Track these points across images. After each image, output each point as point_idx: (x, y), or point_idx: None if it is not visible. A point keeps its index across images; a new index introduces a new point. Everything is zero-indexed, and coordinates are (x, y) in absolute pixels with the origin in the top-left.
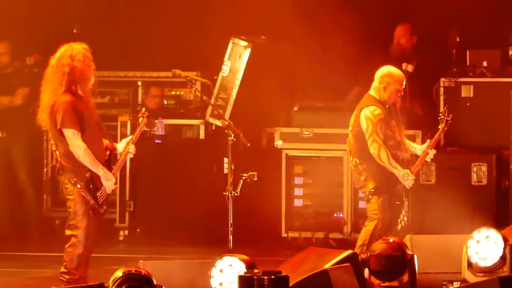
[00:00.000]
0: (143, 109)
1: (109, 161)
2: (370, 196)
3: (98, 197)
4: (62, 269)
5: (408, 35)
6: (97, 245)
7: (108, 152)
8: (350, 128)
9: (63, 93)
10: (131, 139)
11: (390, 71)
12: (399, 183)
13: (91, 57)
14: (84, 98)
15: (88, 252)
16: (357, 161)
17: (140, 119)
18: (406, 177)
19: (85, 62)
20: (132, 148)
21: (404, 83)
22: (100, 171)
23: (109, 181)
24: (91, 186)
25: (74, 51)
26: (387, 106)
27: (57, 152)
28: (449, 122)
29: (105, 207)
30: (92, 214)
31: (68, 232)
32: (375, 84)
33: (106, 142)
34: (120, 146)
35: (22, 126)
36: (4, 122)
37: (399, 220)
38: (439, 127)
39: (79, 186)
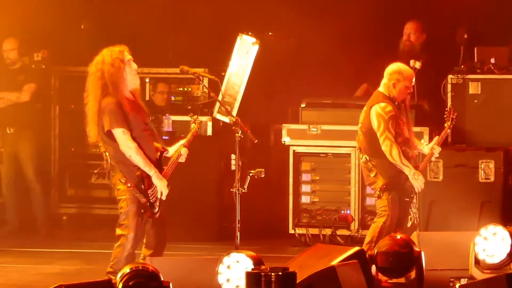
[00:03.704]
0: (196, 116)
1: (160, 163)
2: (380, 193)
3: (150, 195)
4: (109, 269)
5: (418, 32)
6: (105, 241)
7: (158, 154)
8: (359, 125)
9: (105, 97)
10: (183, 143)
11: (400, 68)
12: (409, 180)
13: (123, 58)
14: (131, 100)
15: (134, 251)
16: (367, 158)
17: (192, 125)
18: (416, 176)
19: (115, 64)
20: (184, 151)
21: (413, 80)
22: (152, 170)
23: (161, 181)
24: (142, 185)
25: (105, 55)
26: (396, 103)
27: (107, 154)
28: (454, 120)
29: (157, 206)
30: (145, 214)
31: (118, 232)
32: (384, 80)
33: (157, 145)
34: (172, 149)
35: (30, 122)
36: (12, 118)
37: (409, 217)
38: (445, 125)
39: (129, 185)
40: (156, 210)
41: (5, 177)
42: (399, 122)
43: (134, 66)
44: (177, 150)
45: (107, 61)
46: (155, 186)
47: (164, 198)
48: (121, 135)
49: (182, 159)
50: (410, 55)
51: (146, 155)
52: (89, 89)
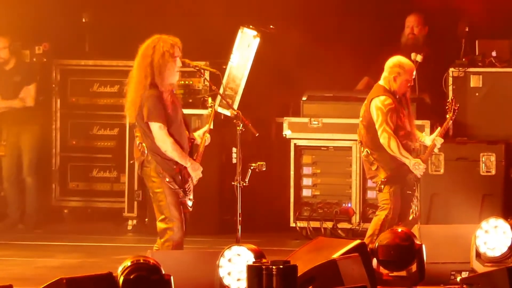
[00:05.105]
0: (210, 99)
1: (192, 153)
2: (382, 186)
3: (186, 189)
4: None
5: (421, 25)
6: (106, 235)
7: (190, 144)
8: (360, 118)
9: (150, 86)
10: (207, 129)
11: (401, 61)
12: (410, 172)
13: (173, 52)
14: (170, 92)
15: (182, 240)
16: (368, 151)
17: (209, 110)
18: (417, 166)
19: (165, 56)
20: (207, 138)
21: (414, 73)
22: (188, 162)
23: (196, 171)
24: (180, 178)
25: (158, 43)
26: (397, 97)
27: (144, 145)
28: (456, 111)
29: (191, 199)
30: (181, 207)
31: (162, 226)
32: (385, 74)
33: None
34: (197, 136)
35: (33, 115)
36: (17, 118)
37: (410, 211)
38: (447, 116)
39: (167, 179)
40: (191, 204)
41: (7, 171)
42: (400, 115)
43: (179, 63)
44: (203, 138)
45: (159, 51)
46: (190, 181)
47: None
48: (157, 130)
49: (207, 143)
50: (413, 48)
51: (181, 148)
52: (135, 69)
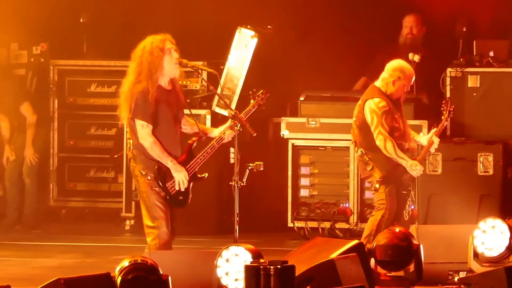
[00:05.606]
0: (261, 91)
1: (191, 151)
2: (377, 186)
3: (169, 188)
4: None
5: (419, 25)
6: (104, 235)
7: (194, 138)
8: (354, 118)
9: (138, 83)
10: (230, 125)
11: (403, 66)
12: (406, 172)
13: (163, 46)
14: (165, 89)
15: (171, 239)
16: (363, 151)
17: (252, 101)
18: (414, 167)
19: (154, 53)
20: (228, 134)
21: (413, 80)
22: (169, 163)
23: (179, 173)
24: (159, 179)
25: (146, 43)
26: (392, 99)
27: (130, 141)
28: (452, 112)
29: (182, 197)
30: (167, 205)
31: (149, 223)
32: (384, 75)
33: (193, 127)
34: (217, 131)
35: (39, 117)
36: (22, 123)
37: (405, 211)
38: (442, 117)
39: (149, 178)
40: (181, 200)
41: (10, 171)
42: (395, 117)
43: (175, 55)
44: (221, 133)
45: (147, 49)
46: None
47: (183, 189)
48: (141, 128)
49: (226, 140)
50: (412, 48)
51: (169, 148)
52: (128, 73)
